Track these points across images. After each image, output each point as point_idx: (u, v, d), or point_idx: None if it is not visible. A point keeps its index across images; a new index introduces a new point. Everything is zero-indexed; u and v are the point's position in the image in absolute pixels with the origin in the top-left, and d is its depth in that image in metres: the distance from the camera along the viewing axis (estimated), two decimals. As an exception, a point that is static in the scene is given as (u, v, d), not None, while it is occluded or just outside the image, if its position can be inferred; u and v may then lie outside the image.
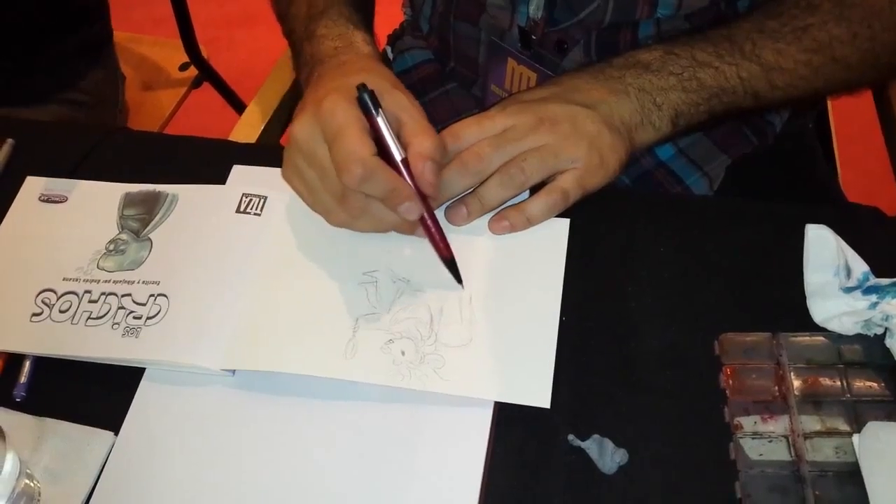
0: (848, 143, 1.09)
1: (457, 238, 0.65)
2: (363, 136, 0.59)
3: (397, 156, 0.61)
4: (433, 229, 0.63)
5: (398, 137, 0.61)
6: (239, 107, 1.47)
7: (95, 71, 1.20)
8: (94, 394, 0.62)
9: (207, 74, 1.39)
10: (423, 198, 0.62)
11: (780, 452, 0.54)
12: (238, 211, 0.69)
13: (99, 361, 0.63)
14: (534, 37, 0.78)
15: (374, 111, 0.60)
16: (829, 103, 1.05)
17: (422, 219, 0.62)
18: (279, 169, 0.66)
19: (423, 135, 0.61)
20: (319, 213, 0.65)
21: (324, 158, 0.61)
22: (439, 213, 0.66)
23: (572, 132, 0.64)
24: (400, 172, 0.61)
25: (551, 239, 0.65)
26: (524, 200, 0.65)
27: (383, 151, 0.61)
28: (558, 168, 0.64)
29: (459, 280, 0.63)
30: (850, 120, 1.13)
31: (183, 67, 1.37)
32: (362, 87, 0.60)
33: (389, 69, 0.69)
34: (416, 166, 0.60)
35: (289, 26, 0.79)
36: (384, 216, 0.63)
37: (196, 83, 1.38)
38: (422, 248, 0.65)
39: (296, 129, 0.62)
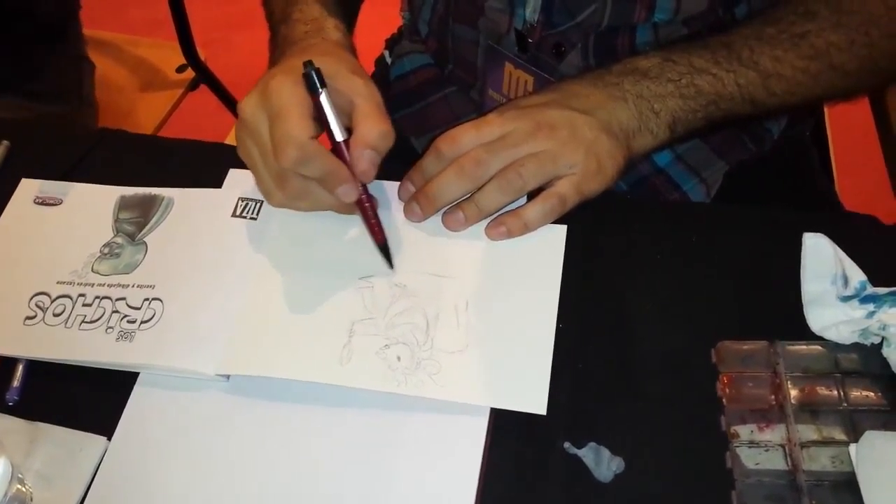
0: (844, 150, 1.09)
1: (453, 244, 0.65)
2: (302, 117, 0.59)
3: (338, 136, 0.61)
4: (369, 212, 0.64)
5: (350, 120, 0.62)
6: (235, 109, 1.46)
7: (56, 59, 1.16)
8: (87, 398, 0.62)
9: (205, 77, 1.38)
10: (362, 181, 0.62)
11: (776, 461, 0.54)
12: (234, 215, 0.69)
13: (92, 366, 0.62)
14: (530, 40, 0.78)
15: (318, 89, 0.60)
16: (826, 111, 1.05)
17: (358, 201, 0.63)
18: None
19: (371, 120, 0.61)
20: (262, 192, 0.65)
21: (266, 138, 0.61)
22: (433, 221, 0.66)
23: (570, 138, 0.64)
24: (341, 153, 0.61)
25: (548, 245, 0.65)
26: (521, 206, 0.65)
27: (329, 131, 0.61)
28: (556, 174, 0.64)
29: (391, 264, 0.64)
30: (847, 128, 1.13)
31: (180, 69, 1.37)
32: (308, 64, 0.60)
33: (355, 56, 0.69)
34: (354, 151, 0.61)
35: (269, 9, 0.79)
36: (322, 197, 0.63)
37: (193, 85, 1.37)
38: (417, 253, 0.65)
39: (242, 107, 0.63)
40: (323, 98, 0.60)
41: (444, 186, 0.64)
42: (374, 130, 0.61)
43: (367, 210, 0.64)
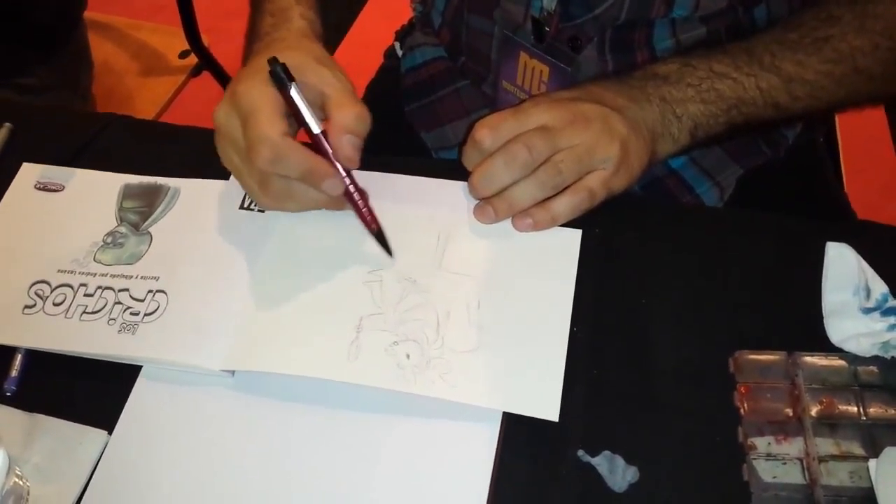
0: (851, 157, 1.08)
1: (466, 242, 0.64)
2: (273, 116, 0.58)
3: (315, 129, 0.60)
4: (359, 202, 0.62)
5: (324, 111, 0.61)
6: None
7: (53, 57, 1.14)
8: (88, 391, 0.60)
9: (208, 63, 1.36)
10: (348, 170, 0.61)
11: (794, 475, 0.53)
12: (242, 207, 0.67)
13: (93, 357, 0.61)
14: (547, 28, 0.77)
15: (286, 84, 0.59)
16: (837, 118, 1.04)
17: (346, 192, 0.62)
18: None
19: (345, 107, 0.60)
20: (250, 196, 0.65)
21: (242, 142, 0.60)
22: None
23: (605, 130, 0.63)
24: (321, 144, 0.60)
25: (563, 249, 0.64)
26: (549, 199, 0.64)
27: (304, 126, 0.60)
28: (591, 168, 0.63)
29: (389, 252, 0.63)
30: (854, 136, 1.12)
31: (183, 55, 1.35)
32: (273, 61, 0.59)
33: (321, 43, 0.68)
34: (334, 139, 0.60)
35: None
36: (309, 195, 0.62)
37: (195, 71, 1.35)
38: (428, 249, 0.64)
39: (215, 115, 0.62)
40: (293, 92, 0.59)
41: (494, 173, 0.62)
42: (350, 115, 0.60)
43: (354, 199, 0.62)
